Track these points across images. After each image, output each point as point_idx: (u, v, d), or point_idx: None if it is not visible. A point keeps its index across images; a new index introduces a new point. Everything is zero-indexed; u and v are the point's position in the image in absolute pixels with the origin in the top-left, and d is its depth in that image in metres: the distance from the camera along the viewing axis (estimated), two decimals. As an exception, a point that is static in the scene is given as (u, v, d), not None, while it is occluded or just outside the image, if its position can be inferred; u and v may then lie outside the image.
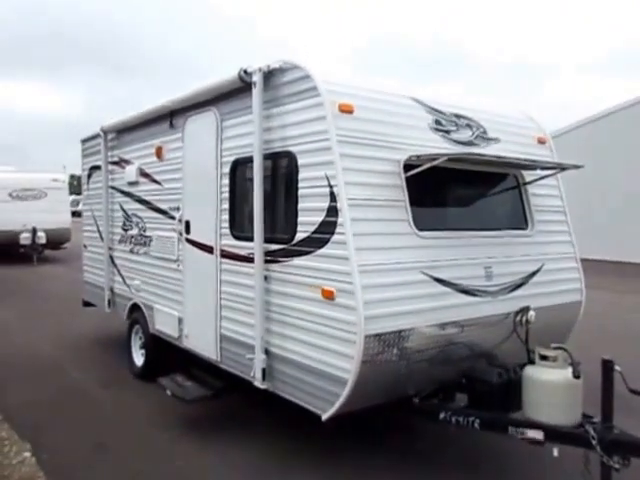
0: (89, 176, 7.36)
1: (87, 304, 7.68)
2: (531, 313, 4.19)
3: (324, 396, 3.56)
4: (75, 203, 27.56)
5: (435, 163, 3.66)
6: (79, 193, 16.68)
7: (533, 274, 4.37)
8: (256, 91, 3.95)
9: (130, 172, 6.07)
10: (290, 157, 3.81)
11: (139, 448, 4.41)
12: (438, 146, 4.00)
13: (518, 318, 4.18)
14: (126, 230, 6.31)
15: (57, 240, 16.82)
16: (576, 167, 4.22)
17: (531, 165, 4.23)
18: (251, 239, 4.13)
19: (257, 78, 3.94)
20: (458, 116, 4.28)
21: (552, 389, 3.57)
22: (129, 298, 6.26)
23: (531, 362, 3.76)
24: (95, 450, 4.39)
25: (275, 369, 3.99)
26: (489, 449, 4.32)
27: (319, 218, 3.58)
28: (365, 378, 3.37)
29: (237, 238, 4.38)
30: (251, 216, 4.08)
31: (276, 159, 3.98)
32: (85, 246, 7.59)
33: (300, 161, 3.73)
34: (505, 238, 4.30)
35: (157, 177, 5.60)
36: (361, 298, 3.30)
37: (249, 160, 4.15)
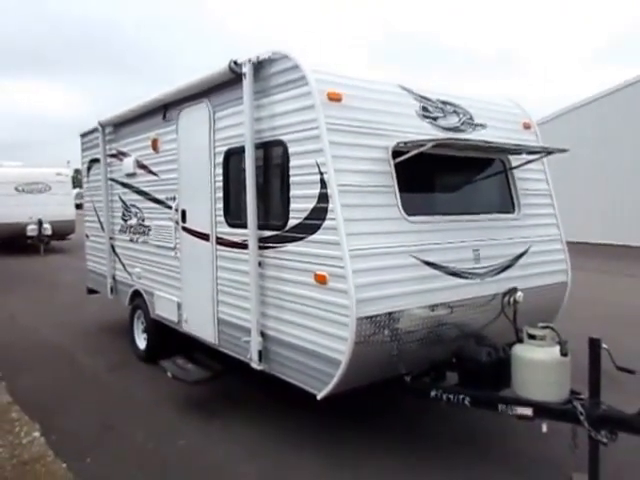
0: (89, 169, 7.27)
1: (91, 291, 7.63)
2: (519, 294, 4.15)
3: (319, 376, 3.52)
4: (79, 196, 27.42)
5: (422, 149, 3.59)
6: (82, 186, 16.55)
7: (520, 256, 4.32)
8: (246, 82, 3.86)
9: (128, 164, 5.98)
10: (281, 146, 3.74)
11: (144, 428, 4.38)
12: (426, 132, 3.93)
13: (506, 299, 4.14)
14: (126, 220, 6.24)
15: (62, 231, 16.75)
16: (561, 151, 4.16)
17: (517, 149, 4.17)
18: (245, 226, 4.07)
19: (247, 69, 3.85)
20: (445, 103, 4.20)
21: (540, 367, 3.53)
22: (130, 285, 6.20)
23: (519, 341, 3.73)
24: (102, 430, 4.37)
25: (271, 351, 3.95)
26: (481, 426, 4.30)
27: (310, 205, 3.51)
28: (358, 359, 3.33)
29: (231, 225, 4.32)
30: (244, 204, 4.01)
31: (267, 148, 3.91)
32: (87, 236, 7.52)
33: (291, 149, 3.65)
34: (492, 222, 4.24)
35: (154, 168, 5.52)
36: (352, 282, 3.25)
37: (241, 150, 4.07)
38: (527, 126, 4.77)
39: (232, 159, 4.29)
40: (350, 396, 3.81)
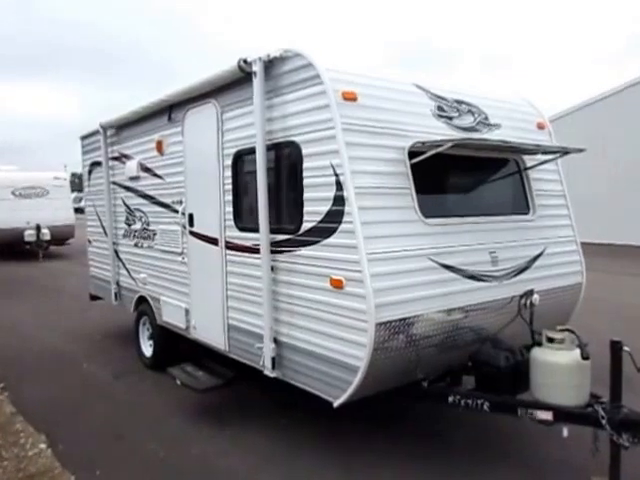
0: (90, 172, 7.13)
1: (94, 297, 7.49)
2: (535, 296, 4.05)
3: (335, 383, 3.40)
4: (77, 200, 27.27)
5: (440, 149, 3.48)
6: (80, 190, 16.39)
7: (536, 258, 4.22)
8: (257, 81, 3.75)
9: (131, 167, 5.85)
10: (294, 147, 3.62)
11: (154, 437, 4.26)
12: (441, 132, 3.82)
13: (523, 301, 4.04)
14: (129, 225, 6.11)
15: (61, 236, 16.55)
16: (579, 151, 4.06)
17: (536, 149, 4.07)
18: (256, 230, 3.95)
19: (257, 68, 3.73)
20: (460, 102, 4.10)
21: (561, 371, 3.43)
22: (135, 291, 6.07)
23: (538, 344, 3.62)
24: (111, 440, 4.25)
25: (284, 357, 3.83)
26: (496, 429, 4.20)
27: (325, 207, 3.40)
28: (376, 365, 3.22)
29: (241, 229, 4.20)
30: (255, 207, 3.90)
31: (279, 149, 3.79)
32: (90, 241, 7.38)
33: (304, 151, 3.54)
34: (508, 223, 4.14)
35: (158, 171, 5.39)
36: (371, 286, 3.14)
37: (252, 151, 3.96)
38: (541, 126, 4.67)
39: (242, 161, 4.17)
40: (364, 402, 3.70)
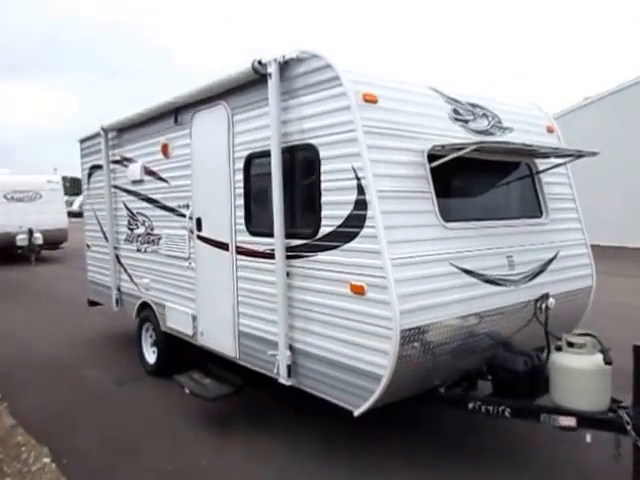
0: (89, 175, 6.98)
1: (93, 303, 7.33)
2: (551, 300, 4.01)
3: (356, 392, 3.31)
4: (68, 204, 26.93)
5: (462, 153, 3.42)
6: (73, 194, 16.19)
7: (550, 261, 4.17)
8: (272, 82, 3.66)
9: (134, 170, 5.73)
10: (311, 150, 3.53)
11: (161, 447, 4.13)
12: (458, 136, 3.76)
13: (538, 305, 3.99)
14: (132, 229, 5.98)
15: (54, 240, 16.30)
16: (593, 154, 4.02)
17: (554, 152, 4.02)
18: (269, 235, 3.86)
19: (272, 69, 3.64)
20: (474, 105, 4.05)
21: (583, 376, 3.38)
22: (138, 297, 5.94)
23: (558, 349, 3.56)
24: (117, 452, 4.11)
25: (300, 365, 3.74)
26: (513, 434, 4.14)
27: (345, 212, 3.31)
28: (399, 373, 3.14)
29: (254, 234, 4.10)
30: (269, 212, 3.81)
31: (295, 152, 3.70)
32: (88, 246, 7.23)
33: (322, 154, 3.45)
34: (523, 227, 4.09)
35: (163, 175, 5.28)
36: (395, 292, 3.06)
37: (265, 154, 3.87)
38: (550, 130, 4.64)
39: (254, 164, 4.08)
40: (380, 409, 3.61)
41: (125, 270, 6.20)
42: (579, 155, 4.09)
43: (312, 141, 3.51)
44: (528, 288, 3.93)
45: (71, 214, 19.29)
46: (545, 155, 4.17)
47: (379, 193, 3.16)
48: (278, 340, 3.81)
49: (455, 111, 3.87)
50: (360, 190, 3.21)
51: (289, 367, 3.76)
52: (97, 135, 6.45)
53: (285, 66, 3.66)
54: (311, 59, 3.49)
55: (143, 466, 3.89)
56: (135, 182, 5.76)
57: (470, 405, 3.59)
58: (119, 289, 6.37)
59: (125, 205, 6.06)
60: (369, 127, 3.24)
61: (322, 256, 3.51)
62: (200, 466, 3.85)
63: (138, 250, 5.87)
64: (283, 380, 3.81)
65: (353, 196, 3.26)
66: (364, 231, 3.21)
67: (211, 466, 3.85)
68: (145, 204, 5.64)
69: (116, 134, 6.16)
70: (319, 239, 3.52)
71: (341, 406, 3.45)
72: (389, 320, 3.08)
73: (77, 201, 34.35)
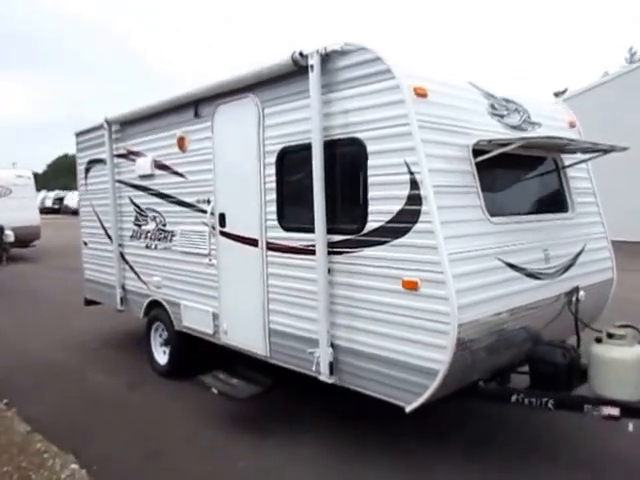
0: (87, 170, 6.75)
1: (90, 302, 7.11)
2: (581, 293, 4.09)
3: (409, 388, 3.31)
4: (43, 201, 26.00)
5: (508, 148, 3.45)
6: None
7: (578, 255, 4.25)
8: (314, 75, 3.60)
9: (143, 165, 5.57)
10: (356, 144, 3.50)
11: (193, 451, 4.05)
12: (496, 130, 3.79)
13: (569, 298, 4.07)
14: (140, 225, 5.82)
15: (26, 238, 15.73)
16: (623, 149, 4.11)
17: (593, 148, 4.06)
18: (306, 230, 3.82)
19: (315, 61, 3.58)
20: (507, 100, 4.08)
21: (625, 367, 3.46)
22: (146, 295, 5.79)
23: (598, 340, 3.63)
24: (147, 457, 4.00)
25: (343, 362, 3.71)
26: (543, 425, 4.21)
27: (397, 207, 3.29)
28: (454, 367, 3.15)
29: (287, 230, 4.04)
30: (305, 207, 3.76)
31: (337, 147, 3.64)
32: (85, 243, 7.00)
33: (370, 148, 3.42)
34: (554, 221, 4.16)
35: (179, 169, 5.14)
36: (453, 287, 3.06)
37: (301, 148, 3.82)
38: (572, 124, 4.72)
39: (288, 159, 4.01)
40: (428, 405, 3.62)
41: (131, 268, 6.04)
42: (608, 150, 4.17)
43: (358, 135, 3.47)
44: (561, 281, 4.00)
45: (43, 211, 18.64)
46: (574, 150, 4.24)
47: (435, 188, 3.16)
48: (319, 337, 3.77)
49: (492, 106, 3.89)
50: (414, 185, 3.20)
51: (331, 364, 3.73)
52: (98, 128, 6.23)
53: (326, 58, 3.61)
54: (357, 52, 3.45)
55: (179, 470, 3.80)
56: (144, 177, 5.60)
57: (513, 398, 3.63)
58: (124, 287, 6.19)
59: (132, 200, 5.88)
60: (422, 121, 3.22)
61: (368, 252, 3.48)
62: (239, 468, 3.79)
63: (147, 247, 5.72)
64: (324, 378, 3.77)
65: (405, 191, 3.24)
66: (417, 226, 3.20)
67: (250, 468, 3.79)
68: (156, 199, 5.49)
69: (120, 127, 5.97)
70: (365, 234, 3.50)
71: (391, 403, 3.44)
72: (447, 315, 3.08)
73: (39, 197, 33.16)
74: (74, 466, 3.87)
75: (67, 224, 27.37)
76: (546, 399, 3.55)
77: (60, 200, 43.39)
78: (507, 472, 3.64)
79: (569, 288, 4.05)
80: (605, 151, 4.21)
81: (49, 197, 44.71)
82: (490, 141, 3.49)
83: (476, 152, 3.54)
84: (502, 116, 3.93)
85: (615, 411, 3.41)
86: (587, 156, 4.42)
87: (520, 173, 4.20)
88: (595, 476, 3.60)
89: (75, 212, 17.27)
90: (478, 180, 3.49)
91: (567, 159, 4.47)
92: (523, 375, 3.86)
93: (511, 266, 3.55)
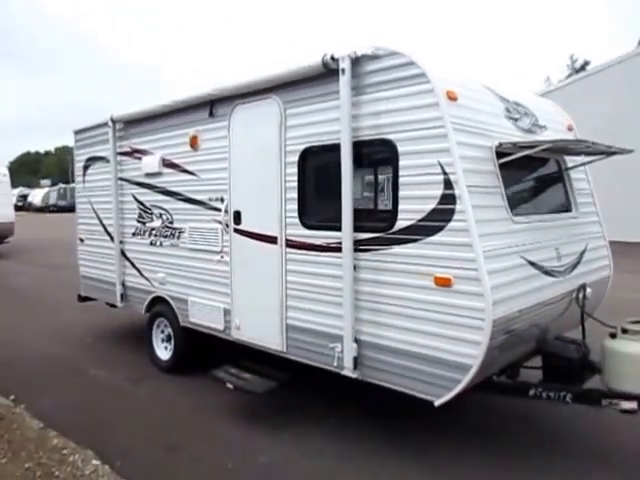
0: (86, 167, 6.55)
1: (84, 299, 6.90)
2: (588, 289, 4.20)
3: (439, 382, 3.34)
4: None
5: (533, 151, 3.53)
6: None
7: (583, 253, 4.37)
8: (345, 78, 3.59)
9: (150, 163, 5.44)
10: (387, 145, 3.50)
11: (212, 446, 3.99)
12: (512, 133, 3.87)
13: (576, 294, 4.17)
14: (143, 222, 5.67)
15: (1, 234, 15.17)
16: (629, 151, 4.24)
17: (607, 151, 4.14)
18: (329, 228, 3.82)
19: (346, 64, 3.57)
20: (517, 104, 4.16)
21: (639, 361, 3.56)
22: (149, 291, 5.66)
23: (612, 336, 3.70)
24: (168, 452, 3.92)
25: (367, 357, 3.71)
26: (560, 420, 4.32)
27: (430, 206, 3.32)
28: (486, 362, 3.20)
29: (309, 227, 4.02)
30: (329, 205, 3.75)
31: (365, 147, 3.65)
32: (82, 240, 6.78)
33: (401, 149, 3.43)
34: (562, 220, 4.27)
35: (189, 167, 5.04)
36: (488, 284, 3.11)
37: (326, 149, 3.81)
38: (570, 128, 4.85)
39: (311, 159, 3.99)
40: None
41: (132, 264, 5.88)
42: (612, 153, 4.30)
43: (389, 136, 3.48)
44: (571, 279, 4.10)
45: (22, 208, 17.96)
46: (579, 152, 4.36)
47: (469, 188, 3.19)
48: (342, 333, 3.77)
49: (507, 110, 3.96)
50: (448, 185, 3.22)
51: (355, 359, 3.73)
52: (101, 126, 6.06)
53: (356, 62, 3.61)
54: (389, 56, 3.45)
55: (202, 465, 3.74)
56: (150, 175, 5.47)
57: (531, 392, 3.71)
58: (124, 284, 6.03)
59: (135, 198, 5.74)
60: (455, 123, 3.26)
61: (399, 249, 3.49)
62: (260, 463, 3.75)
63: (151, 244, 5.58)
64: (348, 372, 3.77)
65: (439, 191, 3.27)
66: (452, 224, 3.23)
67: (271, 462, 3.75)
68: (163, 197, 5.37)
69: (123, 125, 5.81)
70: (395, 232, 3.51)
71: (417, 396, 3.46)
72: (481, 311, 3.12)
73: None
74: (95, 462, 3.77)
75: (33, 220, 26.38)
76: (564, 393, 3.64)
77: (24, 197, 42.10)
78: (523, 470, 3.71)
79: (577, 285, 4.16)
80: (608, 154, 4.34)
81: (13, 194, 43.22)
82: (515, 144, 3.55)
83: (498, 154, 3.59)
84: (516, 119, 4.01)
85: (633, 405, 3.51)
86: (590, 158, 4.54)
87: (531, 174, 4.29)
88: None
89: (39, 209, 16.76)
90: (502, 181, 3.55)
91: (569, 161, 4.59)
92: (524, 369, 3.95)
93: (532, 264, 3.62)
